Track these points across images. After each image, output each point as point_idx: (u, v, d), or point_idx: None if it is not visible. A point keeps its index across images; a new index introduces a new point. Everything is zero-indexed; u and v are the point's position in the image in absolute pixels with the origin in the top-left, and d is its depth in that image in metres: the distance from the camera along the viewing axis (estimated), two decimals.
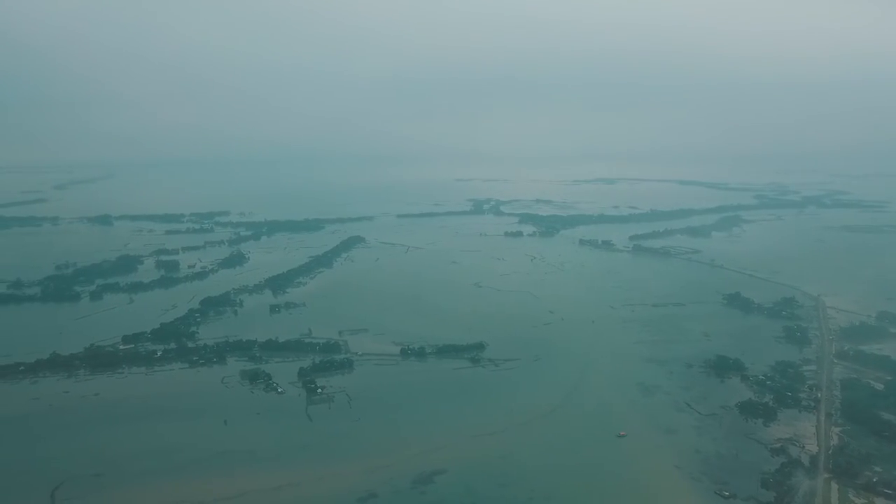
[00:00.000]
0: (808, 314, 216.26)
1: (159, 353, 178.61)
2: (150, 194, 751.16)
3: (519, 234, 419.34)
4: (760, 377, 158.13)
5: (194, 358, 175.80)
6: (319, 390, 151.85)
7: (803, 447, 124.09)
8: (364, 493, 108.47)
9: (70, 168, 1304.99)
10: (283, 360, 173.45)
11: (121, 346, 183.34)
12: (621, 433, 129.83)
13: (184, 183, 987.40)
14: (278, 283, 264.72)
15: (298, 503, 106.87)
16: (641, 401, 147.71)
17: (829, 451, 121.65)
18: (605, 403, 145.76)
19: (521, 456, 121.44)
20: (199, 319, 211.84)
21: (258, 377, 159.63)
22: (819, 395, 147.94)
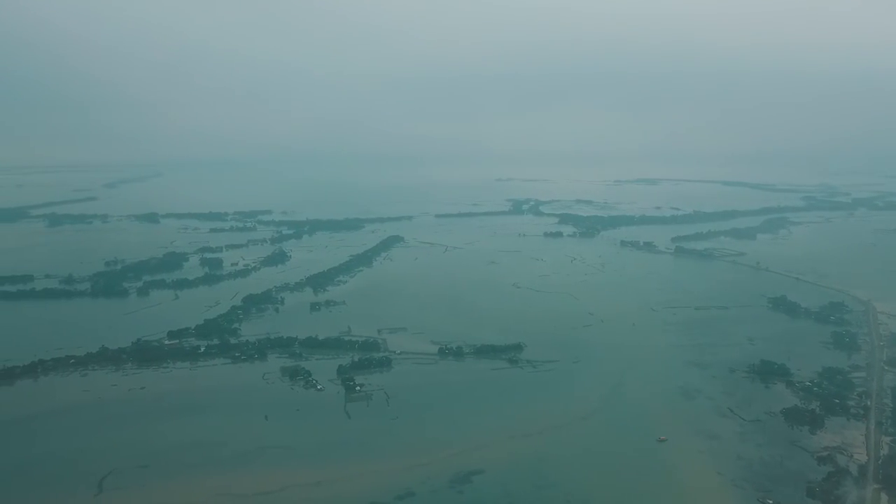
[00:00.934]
0: (858, 319, 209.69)
1: (203, 349, 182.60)
2: (195, 193, 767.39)
3: (559, 234, 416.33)
4: (807, 383, 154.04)
5: (236, 354, 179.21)
6: (358, 388, 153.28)
7: (851, 456, 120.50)
8: (402, 491, 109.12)
9: (120, 167, 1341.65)
10: (322, 358, 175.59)
11: (166, 342, 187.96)
12: (661, 438, 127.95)
13: (228, 182, 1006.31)
14: (319, 281, 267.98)
15: (337, 499, 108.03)
16: (682, 405, 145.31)
17: (879, 461, 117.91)
18: (646, 407, 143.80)
19: (559, 458, 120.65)
20: (241, 316, 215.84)
21: (298, 374, 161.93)
22: (869, 402, 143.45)
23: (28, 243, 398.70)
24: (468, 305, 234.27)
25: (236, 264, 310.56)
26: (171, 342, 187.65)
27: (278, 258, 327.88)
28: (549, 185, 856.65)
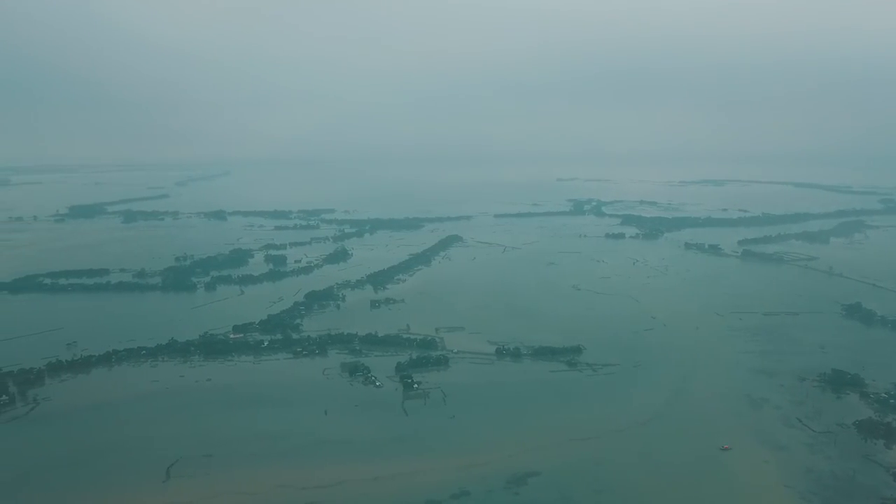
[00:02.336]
0: None
1: (266, 343, 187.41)
2: (261, 191, 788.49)
3: (621, 235, 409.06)
4: (882, 395, 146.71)
5: (298, 349, 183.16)
6: (416, 385, 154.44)
7: None
8: (457, 490, 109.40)
9: (191, 166, 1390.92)
10: (381, 355, 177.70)
11: (231, 335, 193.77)
12: (725, 446, 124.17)
13: (293, 181, 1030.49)
14: (379, 279, 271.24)
15: (393, 495, 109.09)
16: (748, 414, 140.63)
17: None
18: (709, 414, 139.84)
19: (617, 463, 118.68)
20: (303, 312, 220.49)
21: (357, 370, 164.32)
22: None
23: (104, 238, 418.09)
24: (526, 306, 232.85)
25: (300, 261, 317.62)
26: (236, 336, 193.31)
27: (340, 256, 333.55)
28: (612, 186, 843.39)
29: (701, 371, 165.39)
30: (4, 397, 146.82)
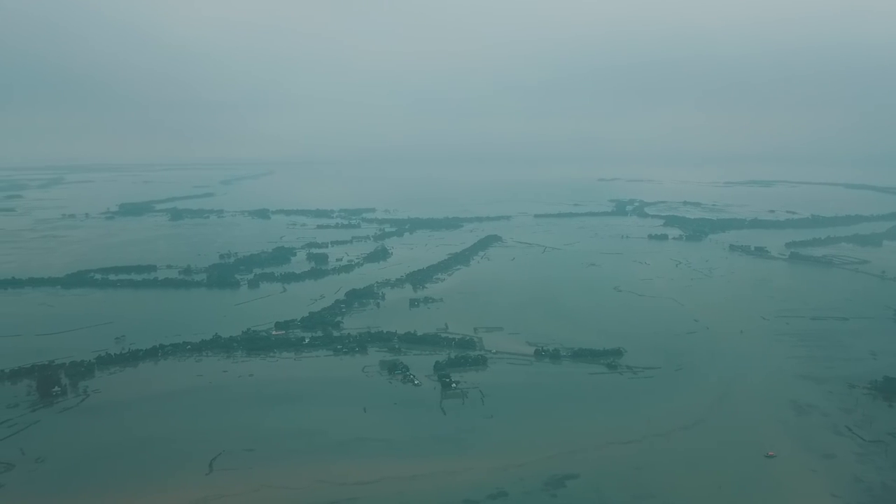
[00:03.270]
0: None
1: (307, 340, 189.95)
2: (303, 191, 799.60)
3: (664, 237, 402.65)
4: None
5: (338, 346, 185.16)
6: (454, 385, 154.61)
7: None
8: (495, 491, 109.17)
9: (236, 165, 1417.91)
10: (420, 353, 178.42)
11: (273, 332, 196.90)
12: (770, 453, 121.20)
13: (335, 180, 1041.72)
14: (418, 278, 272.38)
15: (431, 494, 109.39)
16: (794, 420, 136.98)
17: None
18: (753, 420, 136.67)
19: (657, 468, 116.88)
20: (344, 310, 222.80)
21: (396, 368, 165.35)
22: None
23: (152, 236, 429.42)
24: (566, 307, 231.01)
25: (341, 260, 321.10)
26: (278, 332, 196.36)
27: (380, 255, 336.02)
28: (655, 186, 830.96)
29: (745, 376, 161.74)
30: (57, 388, 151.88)
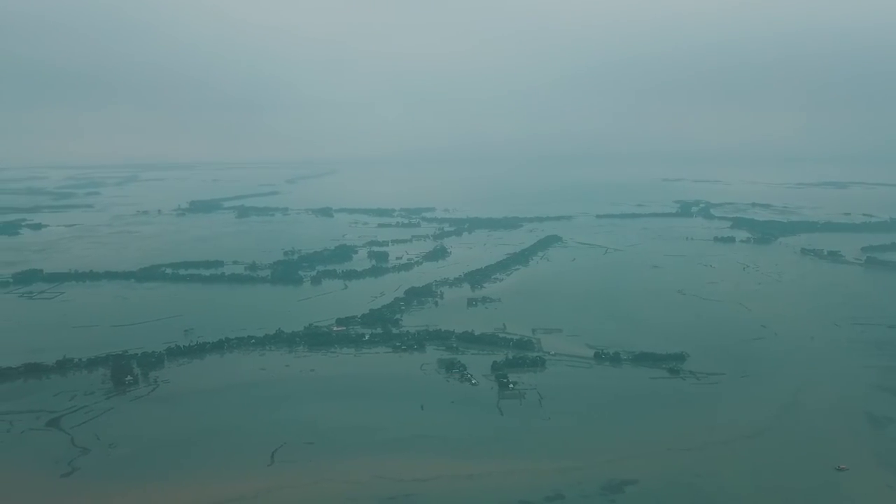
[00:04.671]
0: None
1: (367, 337, 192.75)
2: (366, 189, 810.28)
3: (730, 239, 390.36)
4: None
5: (397, 343, 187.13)
6: (511, 385, 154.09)
7: None
8: (551, 493, 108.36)
9: (301, 164, 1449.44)
10: (477, 353, 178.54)
11: (334, 328, 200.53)
12: (841, 466, 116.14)
13: (397, 179, 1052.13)
14: (476, 277, 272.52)
15: (488, 493, 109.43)
16: (868, 433, 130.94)
17: None
18: (823, 431, 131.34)
19: (720, 477, 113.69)
20: (403, 308, 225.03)
21: (454, 367, 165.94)
22: None
23: (220, 232, 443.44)
24: (627, 310, 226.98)
25: (400, 258, 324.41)
26: (339, 329, 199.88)
27: (439, 254, 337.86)
28: (722, 187, 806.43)
29: (815, 384, 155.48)
30: (129, 378, 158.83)
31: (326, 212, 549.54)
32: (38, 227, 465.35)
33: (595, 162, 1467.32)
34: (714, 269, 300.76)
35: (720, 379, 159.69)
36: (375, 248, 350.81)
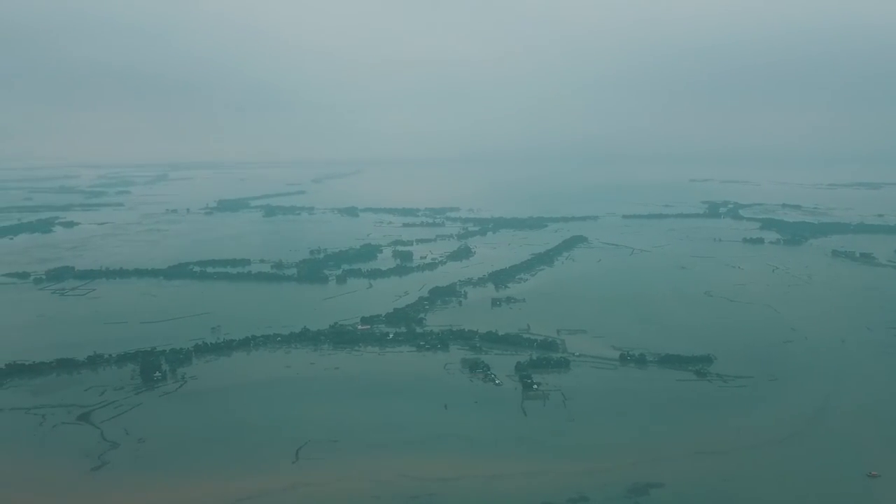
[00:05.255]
0: None
1: (391, 336, 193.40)
2: (391, 189, 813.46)
3: (759, 240, 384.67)
4: None
5: (421, 343, 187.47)
6: (535, 386, 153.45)
7: None
8: (575, 495, 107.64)
9: (327, 164, 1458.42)
10: (501, 353, 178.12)
11: (359, 327, 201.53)
12: (873, 473, 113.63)
13: (422, 179, 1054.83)
14: (500, 277, 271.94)
15: (511, 494, 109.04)
16: None
17: None
18: (855, 437, 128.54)
19: (747, 481, 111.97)
20: (427, 307, 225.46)
21: (477, 367, 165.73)
22: None
23: (247, 231, 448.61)
24: (653, 311, 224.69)
25: (425, 258, 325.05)
26: (364, 327, 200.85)
27: (463, 253, 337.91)
28: (751, 188, 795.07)
29: (846, 389, 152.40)
30: (158, 374, 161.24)
31: (352, 211, 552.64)
32: (70, 224, 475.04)
33: (622, 162, 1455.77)
34: (742, 271, 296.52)
35: (748, 382, 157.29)
36: (400, 248, 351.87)
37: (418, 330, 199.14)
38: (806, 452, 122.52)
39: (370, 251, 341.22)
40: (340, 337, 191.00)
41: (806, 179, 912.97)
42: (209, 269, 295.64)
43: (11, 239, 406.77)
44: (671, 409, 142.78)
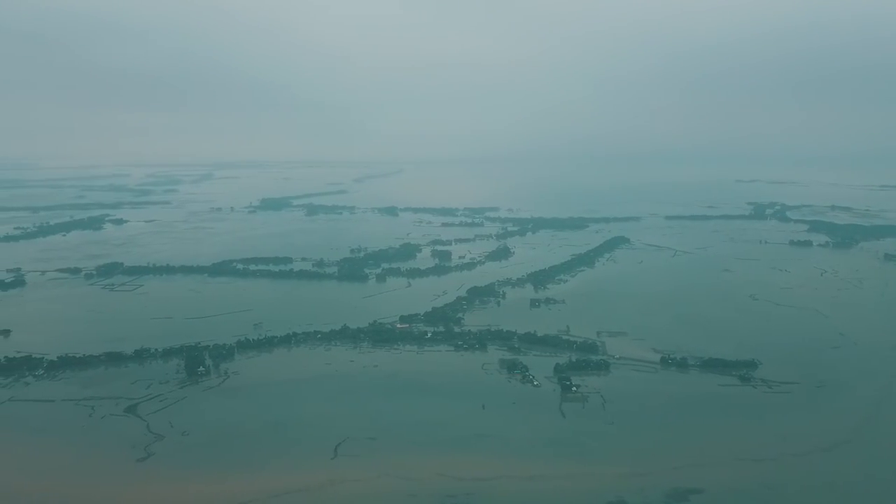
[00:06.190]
0: None
1: (429, 335, 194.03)
2: (430, 189, 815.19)
3: (807, 243, 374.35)
4: None
5: (459, 342, 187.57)
6: (574, 388, 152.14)
7: None
8: (613, 498, 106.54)
9: (369, 164, 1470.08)
10: (540, 354, 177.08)
11: (398, 325, 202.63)
12: None
13: (461, 179, 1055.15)
14: (540, 278, 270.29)
15: (548, 496, 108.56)
16: None
17: None
18: None
19: (792, 490, 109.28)
20: (465, 307, 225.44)
21: (516, 367, 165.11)
22: None
23: (289, 229, 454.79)
24: (696, 314, 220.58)
25: (463, 257, 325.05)
26: (402, 326, 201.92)
27: (502, 254, 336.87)
28: (799, 189, 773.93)
29: None
30: (202, 368, 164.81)
31: (392, 211, 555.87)
32: (119, 222, 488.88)
33: (665, 162, 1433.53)
34: (789, 274, 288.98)
35: (794, 388, 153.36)
36: (439, 247, 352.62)
37: (456, 329, 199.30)
38: (855, 461, 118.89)
39: (409, 250, 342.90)
40: (379, 335, 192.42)
41: (856, 180, 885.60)
42: (252, 267, 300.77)
43: (64, 236, 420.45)
44: (713, 414, 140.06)
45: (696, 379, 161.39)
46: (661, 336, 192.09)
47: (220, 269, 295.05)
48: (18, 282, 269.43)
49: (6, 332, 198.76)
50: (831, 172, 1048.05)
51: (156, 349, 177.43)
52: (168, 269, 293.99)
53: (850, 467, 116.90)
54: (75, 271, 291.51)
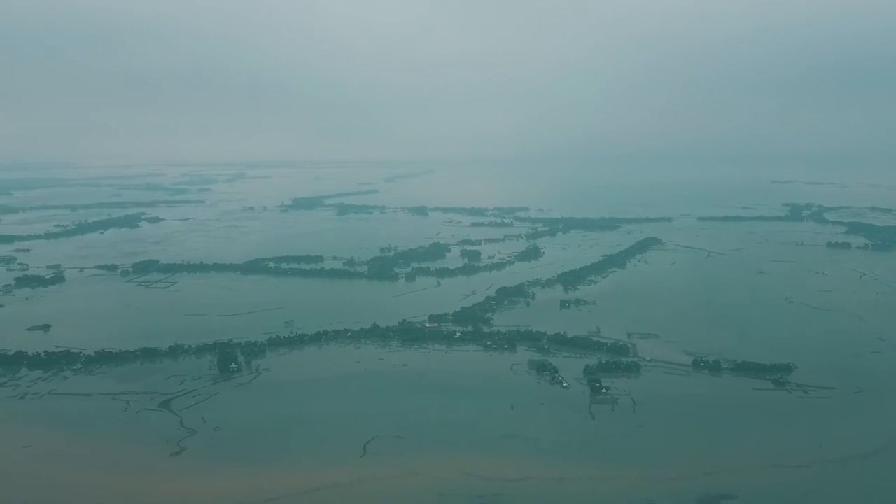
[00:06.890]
0: None
1: (458, 335, 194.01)
2: (460, 189, 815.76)
3: (846, 245, 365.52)
4: None
5: (488, 342, 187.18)
6: (604, 390, 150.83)
7: None
8: (643, 502, 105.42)
9: (399, 164, 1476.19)
10: (569, 356, 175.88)
11: (427, 325, 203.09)
12: None
13: (491, 179, 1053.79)
14: (570, 279, 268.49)
15: (577, 498, 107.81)
16: None
17: None
18: None
19: (828, 497, 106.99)
20: (494, 307, 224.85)
21: (545, 368, 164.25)
22: None
23: (320, 228, 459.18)
24: (729, 317, 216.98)
25: (493, 257, 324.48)
26: (431, 325, 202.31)
27: (532, 254, 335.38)
28: (837, 190, 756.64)
29: None
30: (234, 365, 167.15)
31: (422, 210, 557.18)
32: (155, 220, 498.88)
33: (700, 161, 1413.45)
34: (826, 277, 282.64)
35: (831, 393, 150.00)
36: (468, 247, 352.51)
37: (485, 329, 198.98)
38: (893, 468, 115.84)
39: (439, 250, 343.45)
40: (408, 334, 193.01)
41: None
42: (284, 265, 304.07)
43: (102, 233, 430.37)
44: (746, 418, 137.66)
45: (728, 382, 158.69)
46: (694, 338, 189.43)
47: (253, 268, 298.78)
48: (58, 278, 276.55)
49: (46, 328, 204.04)
50: (871, 173, 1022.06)
51: (189, 345, 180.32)
52: (202, 267, 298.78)
53: (889, 474, 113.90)
54: (112, 268, 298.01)
